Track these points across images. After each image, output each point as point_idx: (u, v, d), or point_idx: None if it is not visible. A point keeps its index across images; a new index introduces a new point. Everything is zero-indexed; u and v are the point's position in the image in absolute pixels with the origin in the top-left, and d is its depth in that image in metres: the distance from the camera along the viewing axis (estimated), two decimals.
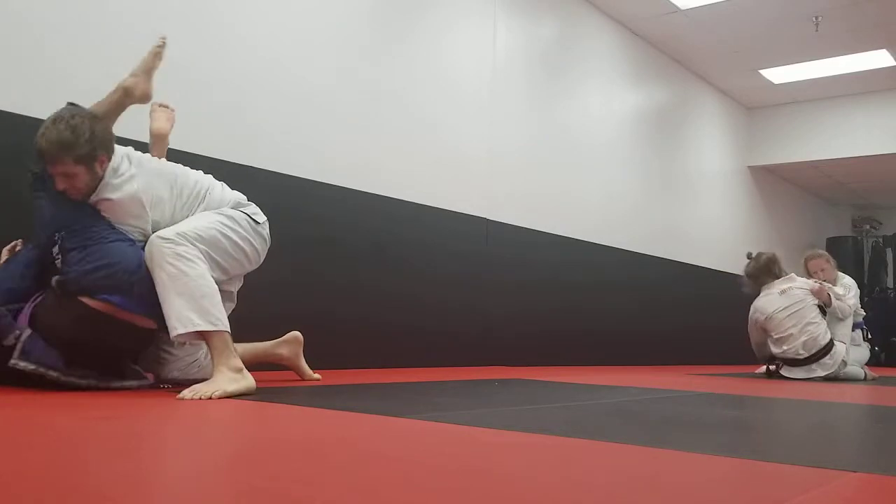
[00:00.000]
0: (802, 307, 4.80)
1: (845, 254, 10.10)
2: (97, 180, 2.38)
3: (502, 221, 5.19)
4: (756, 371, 5.29)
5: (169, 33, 3.50)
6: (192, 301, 2.31)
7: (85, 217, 2.36)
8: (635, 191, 6.80)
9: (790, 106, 8.67)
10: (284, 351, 3.01)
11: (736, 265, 8.31)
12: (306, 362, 3.15)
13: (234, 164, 3.61)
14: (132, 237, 2.41)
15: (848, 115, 8.34)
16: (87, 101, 3.12)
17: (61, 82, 3.05)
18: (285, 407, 2.13)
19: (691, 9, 6.32)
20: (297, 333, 3.04)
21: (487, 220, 5.08)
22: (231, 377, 2.30)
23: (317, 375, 3.13)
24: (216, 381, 2.27)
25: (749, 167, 8.90)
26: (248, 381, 2.34)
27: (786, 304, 4.83)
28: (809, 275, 5.24)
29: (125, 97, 2.60)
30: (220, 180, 3.71)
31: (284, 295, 3.66)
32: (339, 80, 4.21)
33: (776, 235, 9.52)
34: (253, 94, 3.78)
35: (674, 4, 6.24)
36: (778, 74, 7.84)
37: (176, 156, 3.40)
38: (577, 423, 2.10)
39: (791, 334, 4.76)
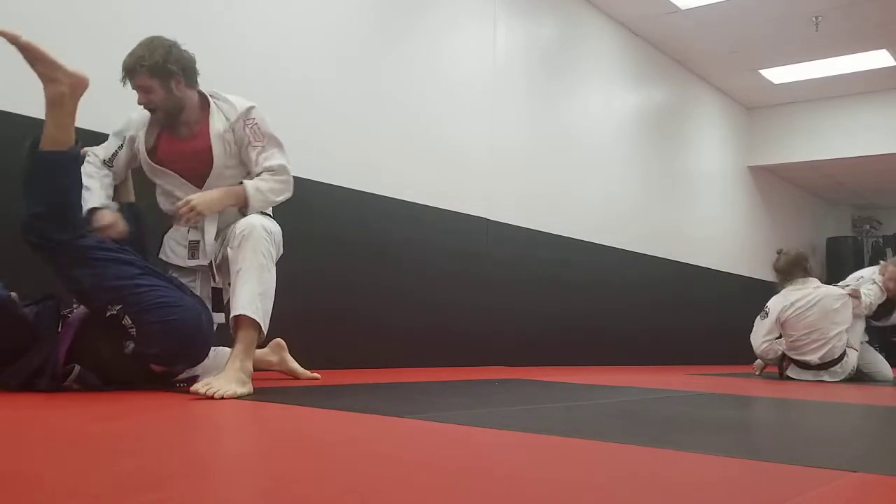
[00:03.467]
0: (828, 315, 4.64)
1: (845, 254, 10.11)
2: (174, 102, 2.60)
3: (502, 221, 5.20)
4: (755, 370, 5.27)
5: (169, 33, 3.50)
6: (265, 297, 2.49)
7: (134, 275, 2.29)
8: (635, 191, 6.80)
9: (790, 106, 8.67)
10: (273, 358, 3.10)
11: (736, 265, 8.37)
12: (306, 362, 3.16)
13: None
14: None
15: (848, 115, 8.34)
16: (89, 102, 3.13)
17: None
18: (285, 407, 2.13)
19: (691, 9, 6.32)
20: (279, 340, 3.11)
21: (487, 220, 5.08)
22: (241, 378, 2.33)
23: (315, 374, 3.15)
24: (228, 379, 2.29)
25: (749, 167, 8.90)
26: (250, 386, 2.38)
27: (813, 302, 4.66)
28: (885, 282, 5.06)
29: None
30: None
31: (284, 295, 3.64)
32: (340, 80, 4.21)
33: (776, 235, 9.52)
34: (253, 93, 3.76)
35: (674, 4, 6.24)
36: (778, 74, 7.85)
37: None
38: (577, 423, 2.10)
39: (811, 341, 4.63)
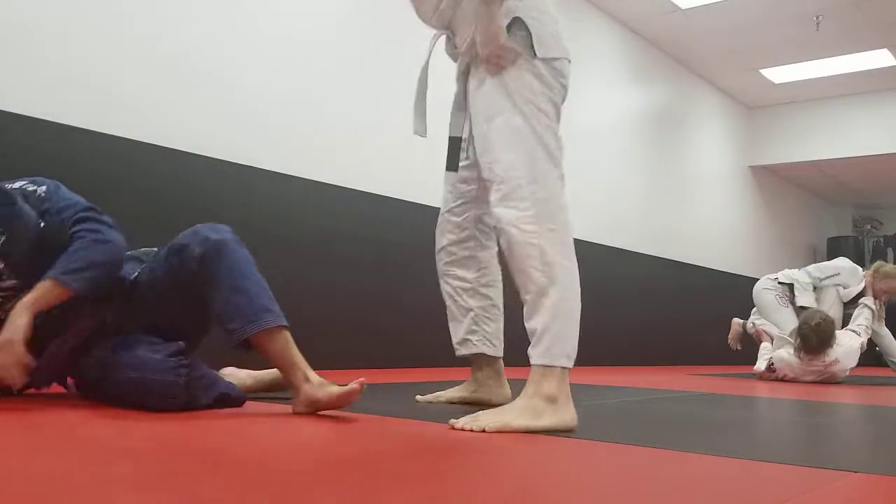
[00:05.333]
0: (834, 374, 4.51)
1: (846, 254, 10.07)
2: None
3: None
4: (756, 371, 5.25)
5: (169, 34, 3.50)
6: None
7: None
8: (635, 190, 6.80)
9: (790, 106, 8.68)
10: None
11: (736, 265, 8.36)
12: (307, 362, 3.12)
13: (233, 163, 3.61)
14: None
15: (848, 115, 8.34)
16: (91, 102, 3.13)
17: (62, 83, 3.06)
18: (284, 407, 2.13)
19: (691, 9, 6.32)
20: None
21: None
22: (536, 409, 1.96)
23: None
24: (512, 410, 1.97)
25: (750, 167, 8.90)
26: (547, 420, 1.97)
27: (827, 373, 4.48)
28: (874, 292, 5.02)
29: None
30: (219, 180, 3.72)
31: (283, 296, 3.65)
32: (339, 80, 4.21)
33: (777, 235, 9.52)
34: (253, 94, 3.78)
35: (674, 4, 6.24)
36: (778, 74, 7.85)
37: (175, 155, 3.41)
38: (578, 422, 2.10)
39: (811, 381, 4.54)
